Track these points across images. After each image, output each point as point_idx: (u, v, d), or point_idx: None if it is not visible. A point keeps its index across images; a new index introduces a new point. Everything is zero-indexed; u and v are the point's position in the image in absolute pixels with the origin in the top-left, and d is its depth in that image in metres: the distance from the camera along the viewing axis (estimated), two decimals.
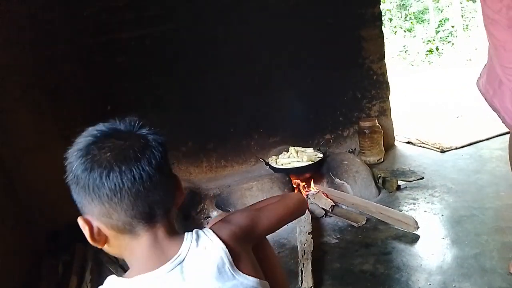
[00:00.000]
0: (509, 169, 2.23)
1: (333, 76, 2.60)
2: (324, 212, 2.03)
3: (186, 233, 0.71)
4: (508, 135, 1.78)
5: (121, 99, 2.26)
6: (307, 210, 1.98)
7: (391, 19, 11.91)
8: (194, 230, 0.72)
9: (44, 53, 2.08)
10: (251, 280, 0.70)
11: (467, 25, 9.12)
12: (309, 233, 1.75)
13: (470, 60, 7.60)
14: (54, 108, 2.16)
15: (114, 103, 2.22)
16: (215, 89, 2.40)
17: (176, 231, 0.72)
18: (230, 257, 0.69)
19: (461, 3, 9.45)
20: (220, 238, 0.71)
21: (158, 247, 0.67)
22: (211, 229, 0.74)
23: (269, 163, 2.26)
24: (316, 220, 1.98)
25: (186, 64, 2.32)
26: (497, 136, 2.70)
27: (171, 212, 0.72)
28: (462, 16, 9.37)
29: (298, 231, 1.81)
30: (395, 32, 11.28)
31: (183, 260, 0.66)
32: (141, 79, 2.27)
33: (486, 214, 1.82)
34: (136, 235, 0.67)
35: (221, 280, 0.67)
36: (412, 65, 9.06)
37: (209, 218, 2.07)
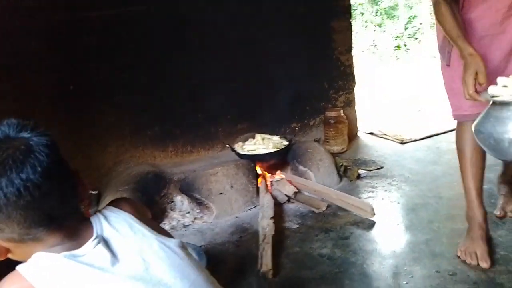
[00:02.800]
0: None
1: (302, 65, 2.63)
2: (287, 198, 2.07)
3: (91, 218, 0.70)
4: None
5: (87, 80, 2.18)
6: (270, 196, 2.02)
7: (362, 14, 12.10)
8: (97, 212, 0.72)
9: (4, 27, 1.98)
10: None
11: (433, 23, 9.39)
12: (271, 218, 1.79)
13: (434, 57, 7.85)
14: (14, 87, 2.06)
15: (79, 83, 2.15)
16: (184, 74, 2.37)
17: (87, 220, 0.70)
18: (144, 224, 0.72)
19: (429, 0, 9.71)
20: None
21: (68, 241, 0.65)
22: (113, 205, 0.75)
23: (235, 149, 2.27)
24: (279, 206, 2.02)
25: (156, 47, 2.27)
26: (454, 129, 2.83)
27: (77, 209, 0.69)
28: (430, 14, 9.63)
29: (260, 216, 1.84)
30: (366, 26, 11.49)
31: (102, 238, 0.66)
32: (109, 61, 2.20)
33: (439, 202, 1.91)
34: (39, 240, 0.63)
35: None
36: (381, 60, 9.28)
37: (173, 203, 2.06)
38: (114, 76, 2.24)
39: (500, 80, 1.24)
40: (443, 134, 2.78)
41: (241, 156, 2.22)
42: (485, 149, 1.29)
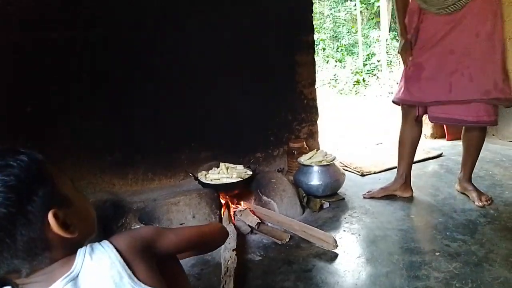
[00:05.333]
0: (419, 194, 2.45)
1: (267, 96, 2.67)
2: (250, 229, 2.05)
3: (79, 249, 0.67)
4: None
5: (46, 102, 2.10)
6: (233, 227, 1.98)
7: (324, 49, 12.64)
8: (89, 244, 0.69)
9: None
10: None
11: (390, 61, 9.95)
12: (233, 250, 1.75)
13: (391, 93, 8.27)
14: None
15: (38, 105, 2.06)
16: (147, 100, 2.33)
17: (68, 251, 0.66)
18: (128, 269, 0.67)
19: (386, 40, 10.32)
20: (118, 249, 0.68)
21: (44, 273, 0.62)
22: (108, 240, 0.71)
23: (199, 178, 2.24)
24: (241, 237, 1.99)
25: (118, 71, 2.24)
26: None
27: (53, 247, 0.65)
28: (387, 52, 10.21)
29: (223, 248, 1.80)
30: (327, 61, 11.98)
31: (76, 276, 0.62)
32: (69, 83, 2.14)
33: (398, 235, 1.95)
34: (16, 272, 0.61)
35: None
36: (341, 94, 9.64)
37: None
38: (73, 99, 2.17)
39: (305, 156, 2.49)
40: None
41: (204, 185, 2.18)
42: (302, 189, 2.38)
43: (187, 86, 2.41)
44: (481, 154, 3.06)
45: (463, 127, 2.23)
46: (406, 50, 2.14)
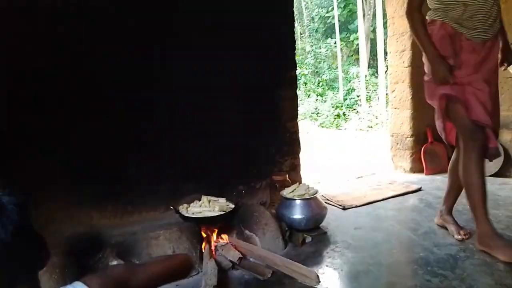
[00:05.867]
0: (400, 228, 2.47)
1: (251, 129, 2.70)
2: (231, 264, 2.00)
3: None
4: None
5: (20, 127, 2.05)
6: (214, 262, 1.94)
7: (306, 83, 12.96)
8: (62, 287, 0.69)
9: None
10: None
11: (370, 96, 10.24)
12: (214, 287, 1.70)
13: (371, 127, 8.47)
14: None
15: (10, 130, 2.02)
16: (128, 131, 2.32)
17: None
18: None
19: (366, 76, 10.67)
20: None
21: None
22: (81, 280, 0.71)
23: (180, 211, 2.20)
24: (223, 273, 1.94)
25: (96, 98, 2.22)
26: (391, 197, 3.00)
27: (37, 275, 0.66)
28: (366, 88, 10.53)
29: (203, 285, 1.75)
30: (309, 95, 12.25)
31: None
32: (43, 111, 2.10)
33: (380, 269, 1.95)
34: None
35: None
36: (322, 127, 9.82)
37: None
38: (50, 128, 2.12)
39: (287, 189, 2.49)
40: (381, 202, 2.92)
41: (186, 218, 2.15)
42: (285, 223, 2.34)
43: (169, 118, 2.41)
44: None
45: (451, 160, 2.28)
46: (450, 73, 1.98)
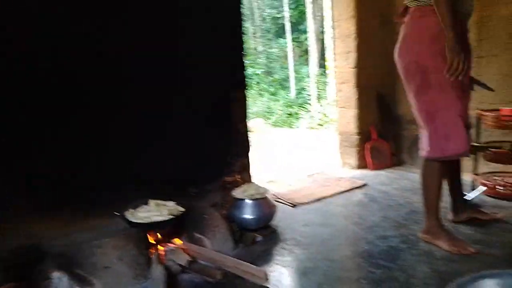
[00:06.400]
0: (346, 223, 2.56)
1: (200, 131, 2.67)
2: (181, 268, 1.98)
3: None
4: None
5: None
6: (162, 268, 1.90)
7: (258, 83, 13.08)
8: None
9: None
10: None
11: (320, 95, 10.51)
12: None
13: (322, 125, 8.71)
14: None
15: None
16: (71, 138, 2.21)
17: None
18: None
19: (316, 76, 10.94)
20: None
21: None
22: None
23: (126, 217, 2.14)
24: (172, 278, 1.91)
25: (44, 106, 2.11)
26: (339, 193, 3.10)
27: None
28: (317, 87, 10.80)
29: None
30: (262, 94, 12.37)
31: None
32: None
33: (328, 265, 2.01)
34: None
35: None
36: (275, 126, 9.95)
37: (49, 280, 1.81)
38: None
39: (238, 190, 2.51)
40: (330, 198, 3.02)
41: (132, 224, 2.09)
42: (236, 224, 2.37)
43: (114, 121, 2.34)
44: (401, 183, 3.31)
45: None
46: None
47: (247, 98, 2.94)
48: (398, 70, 2.17)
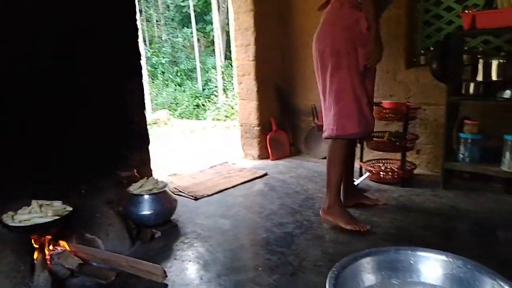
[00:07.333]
0: (246, 213, 2.61)
1: (93, 124, 2.49)
2: (70, 272, 1.83)
3: None
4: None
5: None
6: (47, 273, 1.74)
7: (164, 72, 12.66)
8: None
9: None
10: None
11: (226, 87, 10.59)
12: None
13: (228, 117, 8.79)
14: None
15: None
16: None
17: None
18: None
19: (221, 67, 10.96)
20: None
21: None
22: None
23: (3, 220, 1.90)
24: (60, 283, 1.77)
25: None
26: (240, 184, 3.16)
27: None
28: (223, 79, 10.84)
29: None
30: (167, 85, 12.02)
31: None
32: None
33: (226, 256, 2.03)
34: None
35: None
36: (182, 117, 9.77)
37: None
38: None
39: (135, 185, 2.42)
40: (231, 189, 3.06)
41: (11, 228, 1.87)
42: (132, 220, 2.29)
43: None
44: (298, 171, 3.49)
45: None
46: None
47: (144, 89, 2.82)
48: (313, 55, 2.32)
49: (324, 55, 2.21)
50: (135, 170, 2.62)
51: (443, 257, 1.36)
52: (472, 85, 2.67)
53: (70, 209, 2.06)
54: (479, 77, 2.65)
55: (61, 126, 2.34)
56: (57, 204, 2.06)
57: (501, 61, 2.58)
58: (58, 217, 1.95)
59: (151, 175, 2.89)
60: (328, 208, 2.33)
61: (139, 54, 2.78)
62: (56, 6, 2.24)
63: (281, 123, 4.01)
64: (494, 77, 2.60)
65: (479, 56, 2.71)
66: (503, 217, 2.37)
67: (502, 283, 1.19)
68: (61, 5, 2.26)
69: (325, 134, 2.29)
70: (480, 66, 2.65)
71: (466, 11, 2.63)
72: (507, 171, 2.54)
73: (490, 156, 2.64)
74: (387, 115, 2.93)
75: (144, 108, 2.83)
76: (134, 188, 2.38)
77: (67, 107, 2.36)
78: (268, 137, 3.87)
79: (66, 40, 2.31)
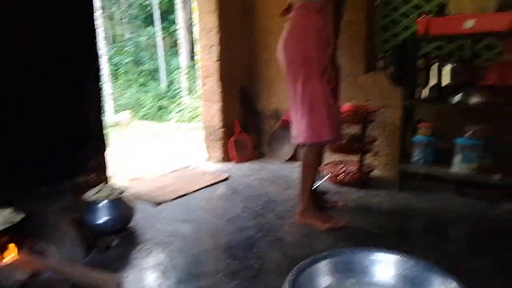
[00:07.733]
0: (208, 216, 2.59)
1: (49, 126, 2.38)
2: (19, 284, 1.74)
3: None
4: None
5: None
6: None
7: (126, 72, 12.35)
8: None
9: None
10: None
11: (191, 88, 10.46)
12: None
13: (193, 118, 8.69)
14: None
15: None
16: None
17: None
18: None
19: (187, 68, 10.82)
20: None
21: None
22: None
23: None
24: None
25: None
26: (204, 187, 3.12)
27: None
28: (188, 80, 10.70)
29: None
30: (131, 85, 11.72)
31: None
32: None
33: (186, 261, 2.00)
34: None
35: None
36: (145, 119, 9.56)
37: None
38: None
39: (91, 191, 2.31)
40: (193, 193, 3.02)
41: None
42: (88, 228, 2.21)
43: None
44: (261, 174, 3.50)
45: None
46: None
47: (101, 90, 2.73)
48: (280, 63, 2.33)
49: (294, 65, 2.23)
50: (92, 175, 2.53)
51: (397, 258, 1.41)
52: (426, 89, 2.78)
53: (22, 216, 1.96)
54: (433, 82, 2.77)
55: (10, 129, 2.22)
56: (7, 211, 1.95)
57: (453, 66, 2.70)
58: (7, 226, 1.86)
59: (108, 180, 2.80)
60: (304, 211, 2.38)
61: (96, 54, 2.69)
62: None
63: (245, 126, 4.00)
64: (446, 81, 2.72)
65: (432, 61, 2.83)
66: (453, 216, 2.49)
67: (450, 281, 1.25)
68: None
69: (298, 140, 2.34)
70: (434, 71, 2.77)
71: (422, 17, 2.73)
72: (457, 173, 2.67)
73: (443, 158, 2.76)
74: (346, 118, 2.99)
75: (101, 110, 2.74)
76: (90, 195, 2.29)
77: (17, 108, 2.25)
78: (232, 139, 3.85)
79: (19, 39, 2.20)
